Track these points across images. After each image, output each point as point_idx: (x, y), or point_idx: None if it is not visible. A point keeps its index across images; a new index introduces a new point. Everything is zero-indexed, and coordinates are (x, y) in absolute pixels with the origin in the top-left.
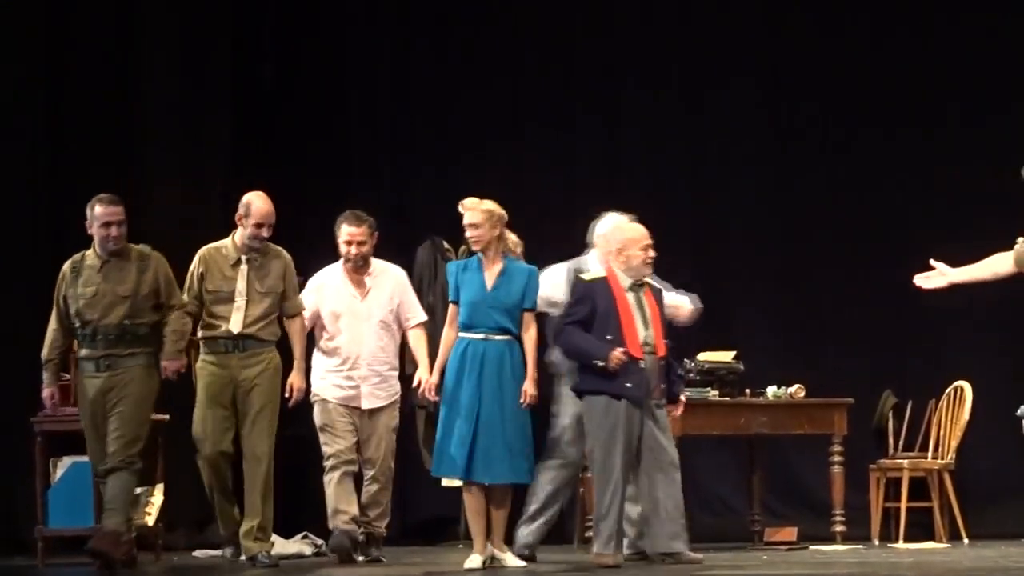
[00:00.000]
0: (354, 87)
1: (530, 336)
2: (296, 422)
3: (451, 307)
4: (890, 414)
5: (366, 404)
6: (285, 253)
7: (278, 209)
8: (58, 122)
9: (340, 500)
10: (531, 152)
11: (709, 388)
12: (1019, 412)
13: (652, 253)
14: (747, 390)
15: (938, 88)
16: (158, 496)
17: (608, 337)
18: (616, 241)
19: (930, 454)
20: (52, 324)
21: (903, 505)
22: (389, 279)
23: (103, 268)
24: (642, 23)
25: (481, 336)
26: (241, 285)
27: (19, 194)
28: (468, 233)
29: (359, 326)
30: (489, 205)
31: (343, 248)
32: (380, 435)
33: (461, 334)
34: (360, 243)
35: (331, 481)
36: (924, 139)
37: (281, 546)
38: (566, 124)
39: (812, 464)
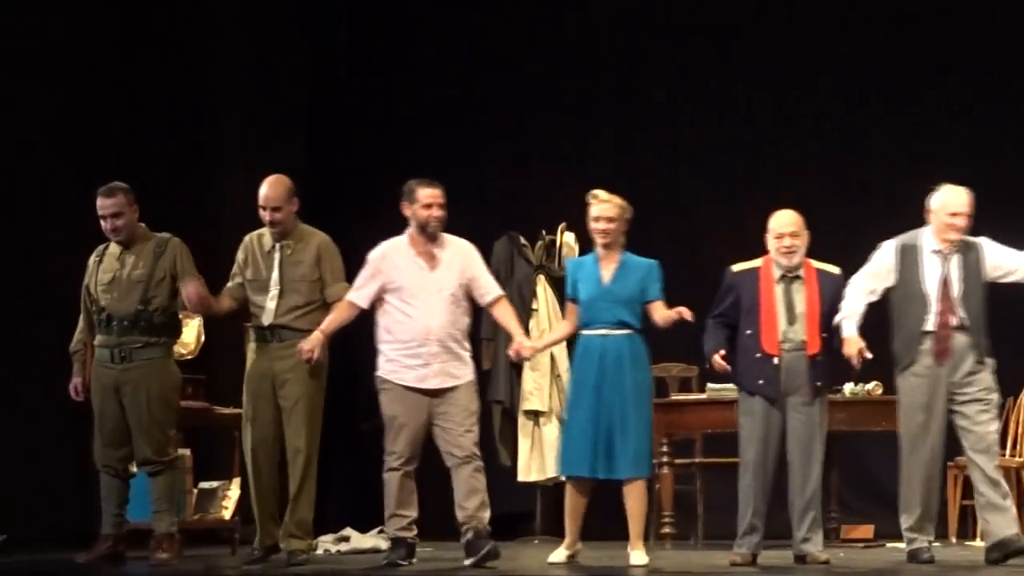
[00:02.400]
0: (427, 82)
1: (664, 315)
2: (372, 415)
3: (568, 304)
4: None
5: (438, 383)
6: (322, 236)
7: (352, 207)
8: (134, 122)
9: (400, 503)
10: (605, 151)
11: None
12: None
13: (789, 243)
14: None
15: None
16: (235, 490)
17: (748, 332)
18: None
19: (1008, 451)
20: (81, 315)
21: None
22: (459, 252)
23: (122, 255)
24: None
25: (600, 332)
26: (275, 275)
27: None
28: (600, 226)
29: (428, 300)
30: (621, 200)
31: (422, 213)
32: (460, 418)
33: (581, 332)
34: (441, 205)
35: (390, 481)
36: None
37: (356, 541)
38: (632, 125)
39: (889, 461)
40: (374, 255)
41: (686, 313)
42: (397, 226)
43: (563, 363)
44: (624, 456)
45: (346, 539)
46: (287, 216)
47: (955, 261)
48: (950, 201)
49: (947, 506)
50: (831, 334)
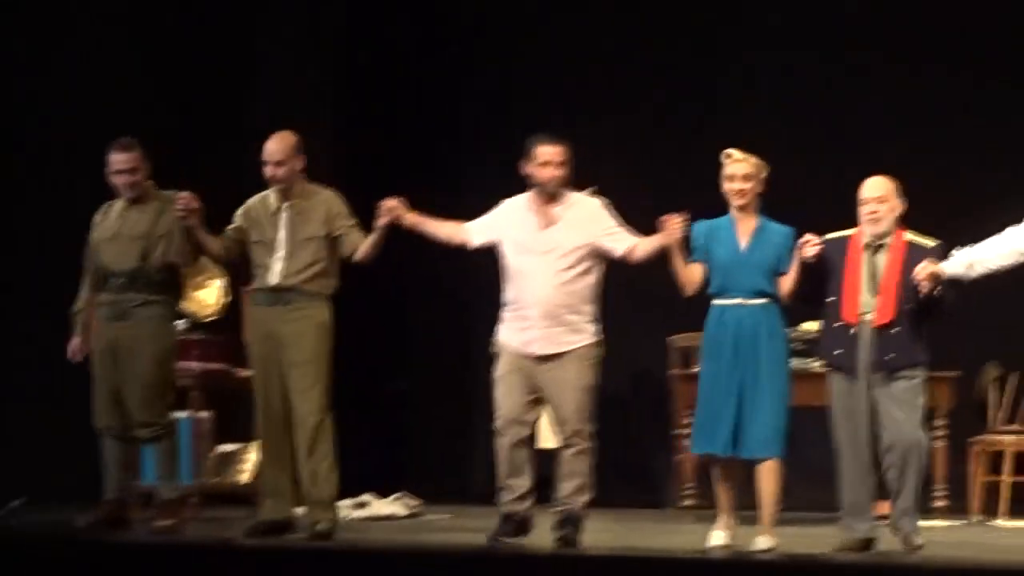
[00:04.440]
0: (467, 40)
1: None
2: (395, 376)
3: (695, 265)
4: (991, 387)
5: (539, 349)
6: (330, 192)
7: (393, 182)
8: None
9: (509, 472)
10: (655, 132)
11: (811, 358)
12: None
13: (870, 209)
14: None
15: None
16: (253, 453)
17: (830, 299)
18: None
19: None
20: (85, 274)
21: (1005, 480)
22: (582, 210)
23: (125, 212)
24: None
25: (737, 301)
26: (282, 234)
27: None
28: (736, 185)
29: (535, 261)
30: (756, 158)
31: (539, 172)
32: (564, 390)
33: (714, 301)
34: (559, 164)
35: (499, 449)
36: None
37: (376, 507)
38: (683, 108)
39: None
40: (497, 207)
41: (810, 244)
42: (441, 188)
43: None
44: (756, 434)
45: (364, 505)
46: (289, 172)
47: None
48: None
49: (969, 482)
50: (921, 306)
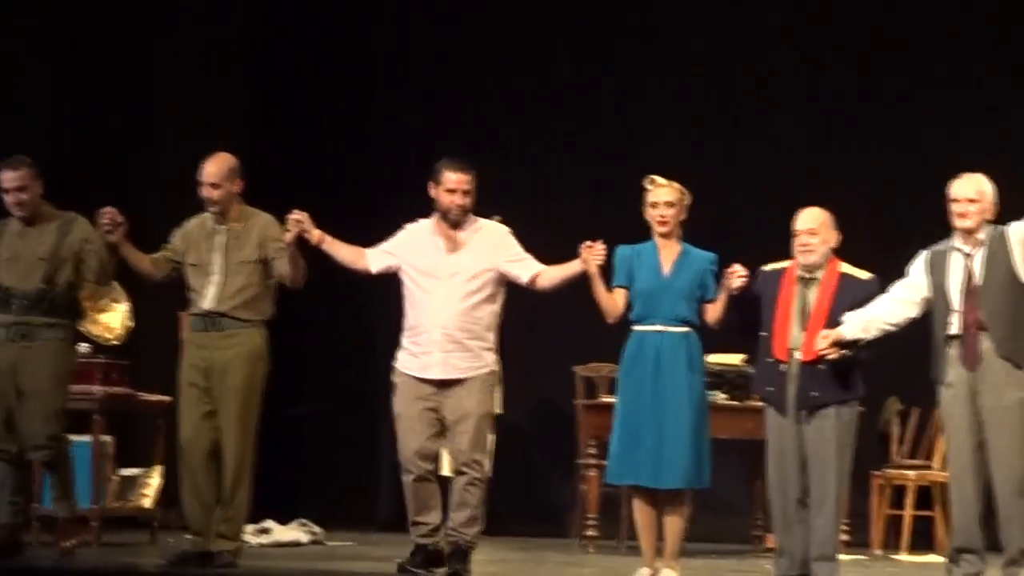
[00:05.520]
0: (377, 75)
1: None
2: (293, 402)
3: (618, 289)
4: (894, 420)
5: (438, 373)
6: (268, 216)
7: (298, 201)
8: (77, 112)
9: (417, 509)
10: (556, 149)
11: (718, 391)
12: None
13: (805, 240)
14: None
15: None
16: (156, 478)
17: (763, 333)
18: None
19: (935, 463)
20: None
21: (907, 514)
22: (488, 235)
23: (23, 232)
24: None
25: (658, 328)
26: (218, 258)
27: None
28: (659, 212)
29: (439, 284)
30: (679, 185)
31: (445, 199)
32: (462, 418)
33: (635, 327)
34: (465, 192)
35: (405, 486)
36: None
37: (277, 533)
38: (592, 120)
39: None
40: (401, 231)
41: (736, 274)
42: (345, 203)
43: None
44: (670, 464)
45: (267, 531)
46: (226, 195)
47: (980, 254)
48: (952, 187)
49: (871, 516)
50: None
